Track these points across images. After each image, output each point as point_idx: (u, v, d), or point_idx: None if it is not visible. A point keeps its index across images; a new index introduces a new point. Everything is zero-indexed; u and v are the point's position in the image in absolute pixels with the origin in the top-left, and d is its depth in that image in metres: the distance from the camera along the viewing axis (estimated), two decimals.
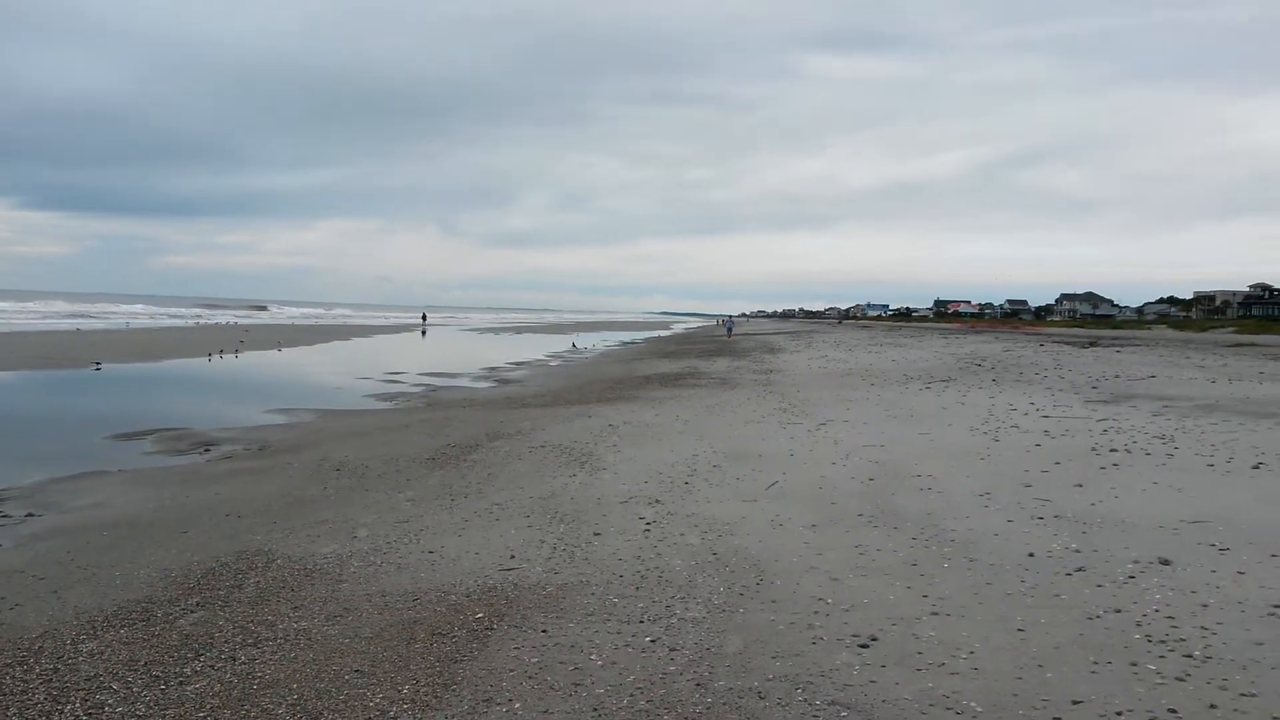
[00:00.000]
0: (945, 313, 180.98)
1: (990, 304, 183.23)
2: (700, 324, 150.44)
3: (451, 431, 13.81)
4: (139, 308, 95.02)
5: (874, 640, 5.06)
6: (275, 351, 37.09)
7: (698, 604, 5.77)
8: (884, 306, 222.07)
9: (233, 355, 32.92)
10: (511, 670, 4.74)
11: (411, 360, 34.00)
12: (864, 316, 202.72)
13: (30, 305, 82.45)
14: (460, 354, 41.21)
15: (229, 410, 17.45)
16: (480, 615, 5.58)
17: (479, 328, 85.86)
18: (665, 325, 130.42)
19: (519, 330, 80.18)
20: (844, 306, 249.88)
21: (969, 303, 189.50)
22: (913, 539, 7.20)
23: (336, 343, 47.22)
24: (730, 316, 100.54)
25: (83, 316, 67.96)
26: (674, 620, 5.48)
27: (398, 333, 64.99)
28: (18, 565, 7.00)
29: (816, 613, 5.54)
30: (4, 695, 4.45)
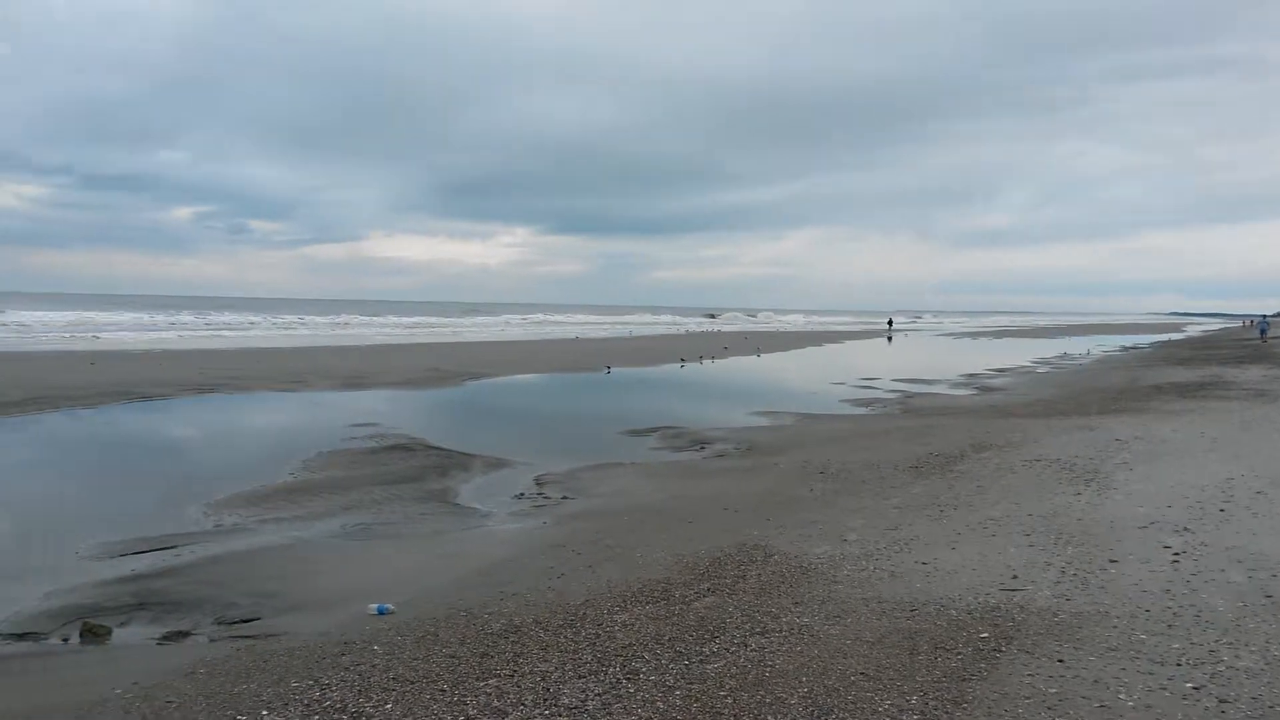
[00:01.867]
0: None
1: None
2: (1222, 326, 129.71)
3: (933, 440, 13.40)
4: (638, 317, 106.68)
5: None
6: (754, 357, 39.24)
7: (1251, 652, 4.89)
8: None
9: (712, 360, 35.48)
10: (1027, 697, 4.40)
11: (884, 366, 33.83)
12: None
13: (552, 316, 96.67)
14: (935, 360, 40.08)
15: (717, 411, 18.77)
16: (985, 635, 5.28)
17: (953, 332, 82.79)
18: (1176, 327, 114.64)
19: (998, 334, 75.83)
20: None
21: None
22: None
23: (810, 349, 48.65)
24: (1264, 317, 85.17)
25: (593, 325, 78.15)
26: (1221, 668, 4.69)
27: (867, 338, 65.13)
28: (559, 540, 8.15)
29: None
30: (561, 652, 5.17)
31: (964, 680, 4.63)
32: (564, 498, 10.37)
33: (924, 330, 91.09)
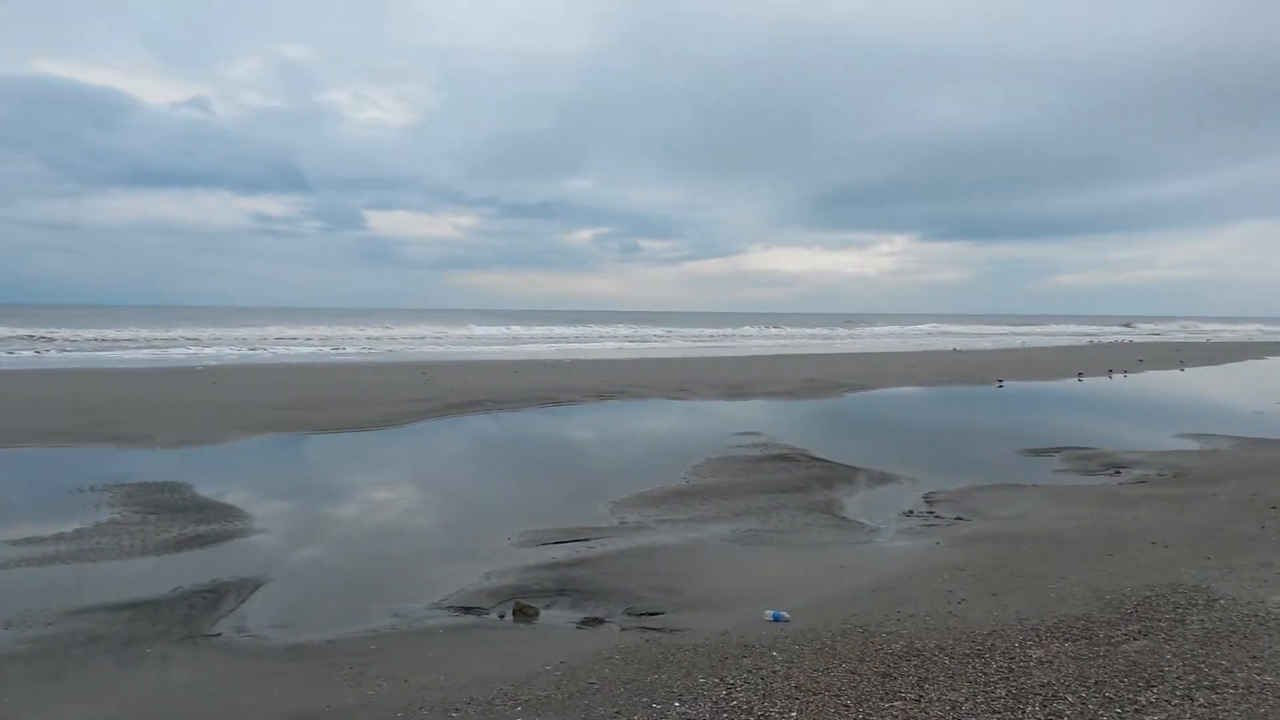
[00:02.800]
0: None
1: None
2: None
3: None
4: (1039, 327, 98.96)
5: None
6: (1176, 370, 34.63)
7: None
8: None
9: (1124, 374, 31.80)
10: None
11: None
12: None
13: (945, 326, 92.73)
14: None
15: (1132, 432, 16.78)
16: None
17: None
18: None
19: None
20: None
21: None
22: None
23: (1249, 361, 41.92)
24: None
25: (979, 335, 73.77)
26: None
27: None
28: (956, 563, 7.70)
29: None
30: (970, 683, 4.84)
31: None
32: (957, 518, 9.83)
33: None
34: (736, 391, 23.73)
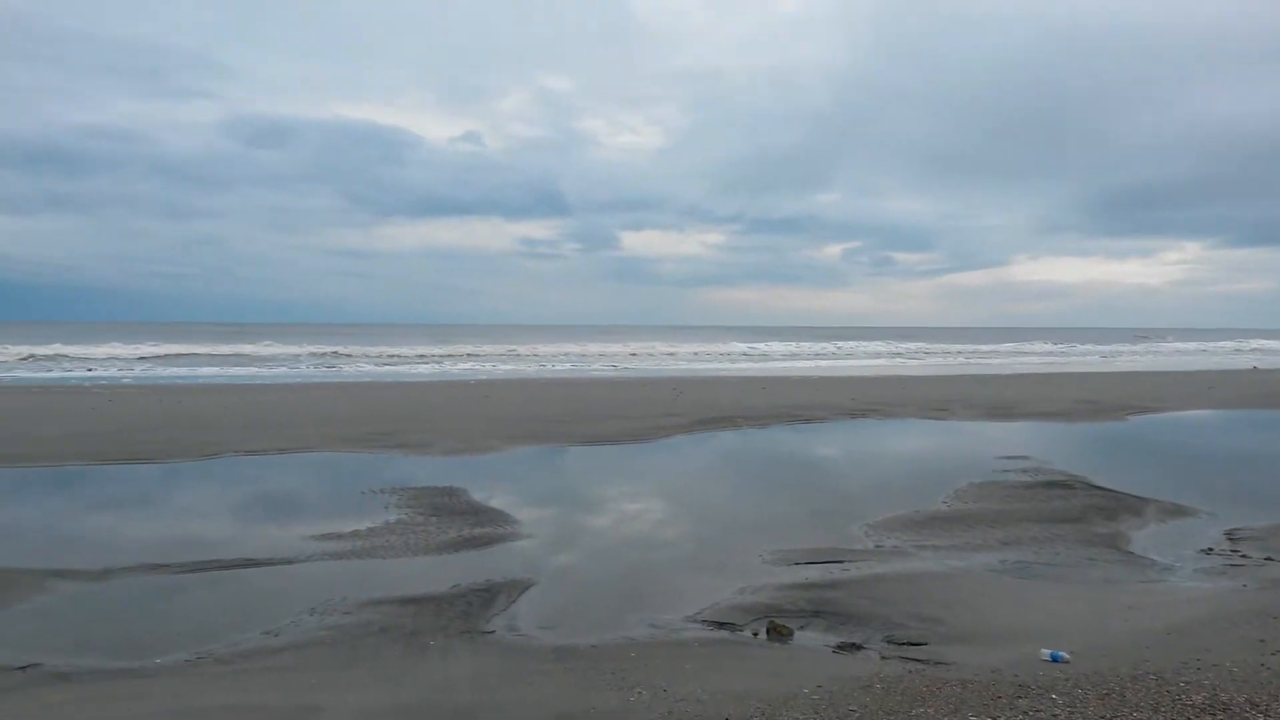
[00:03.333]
0: None
1: None
2: None
3: None
4: None
5: None
6: None
7: None
8: None
9: None
10: None
11: None
12: None
13: (1226, 343, 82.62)
14: None
15: None
16: None
17: None
18: None
19: None
20: None
21: None
22: None
23: None
24: None
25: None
26: None
27: None
28: (1267, 609, 6.78)
29: None
30: None
31: None
32: (1267, 559, 8.67)
33: None
34: (1001, 411, 22.36)
